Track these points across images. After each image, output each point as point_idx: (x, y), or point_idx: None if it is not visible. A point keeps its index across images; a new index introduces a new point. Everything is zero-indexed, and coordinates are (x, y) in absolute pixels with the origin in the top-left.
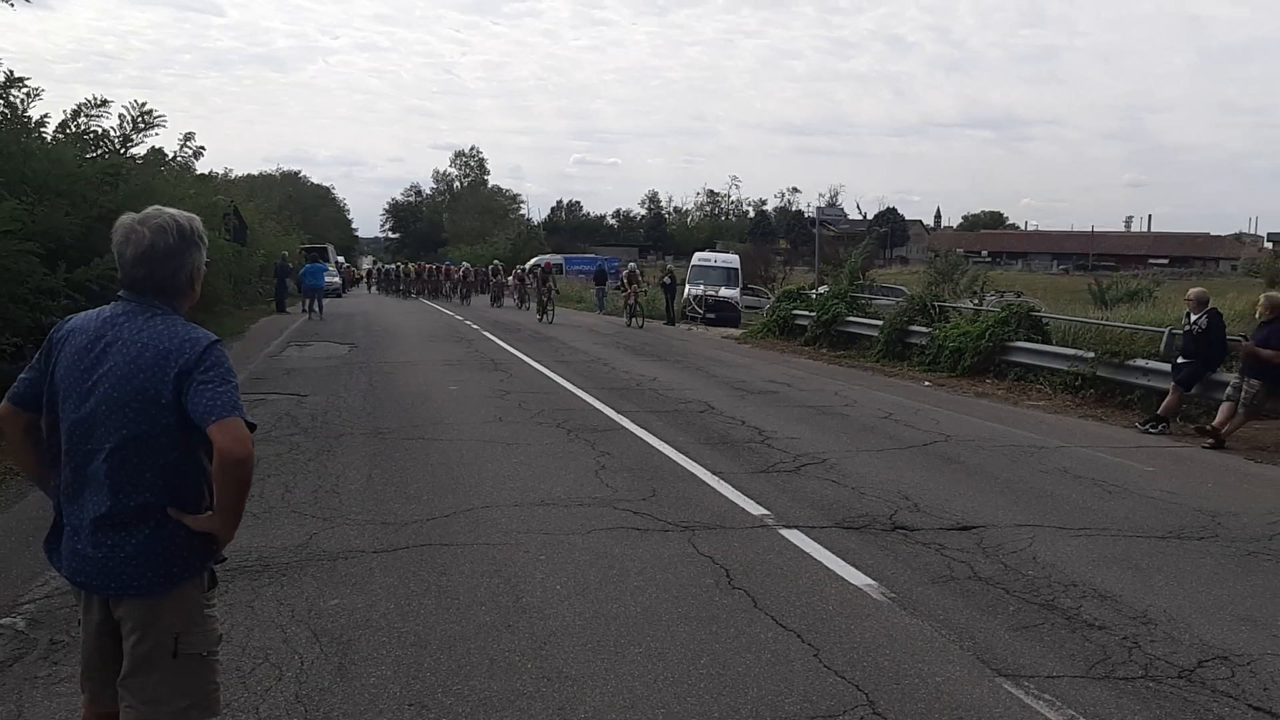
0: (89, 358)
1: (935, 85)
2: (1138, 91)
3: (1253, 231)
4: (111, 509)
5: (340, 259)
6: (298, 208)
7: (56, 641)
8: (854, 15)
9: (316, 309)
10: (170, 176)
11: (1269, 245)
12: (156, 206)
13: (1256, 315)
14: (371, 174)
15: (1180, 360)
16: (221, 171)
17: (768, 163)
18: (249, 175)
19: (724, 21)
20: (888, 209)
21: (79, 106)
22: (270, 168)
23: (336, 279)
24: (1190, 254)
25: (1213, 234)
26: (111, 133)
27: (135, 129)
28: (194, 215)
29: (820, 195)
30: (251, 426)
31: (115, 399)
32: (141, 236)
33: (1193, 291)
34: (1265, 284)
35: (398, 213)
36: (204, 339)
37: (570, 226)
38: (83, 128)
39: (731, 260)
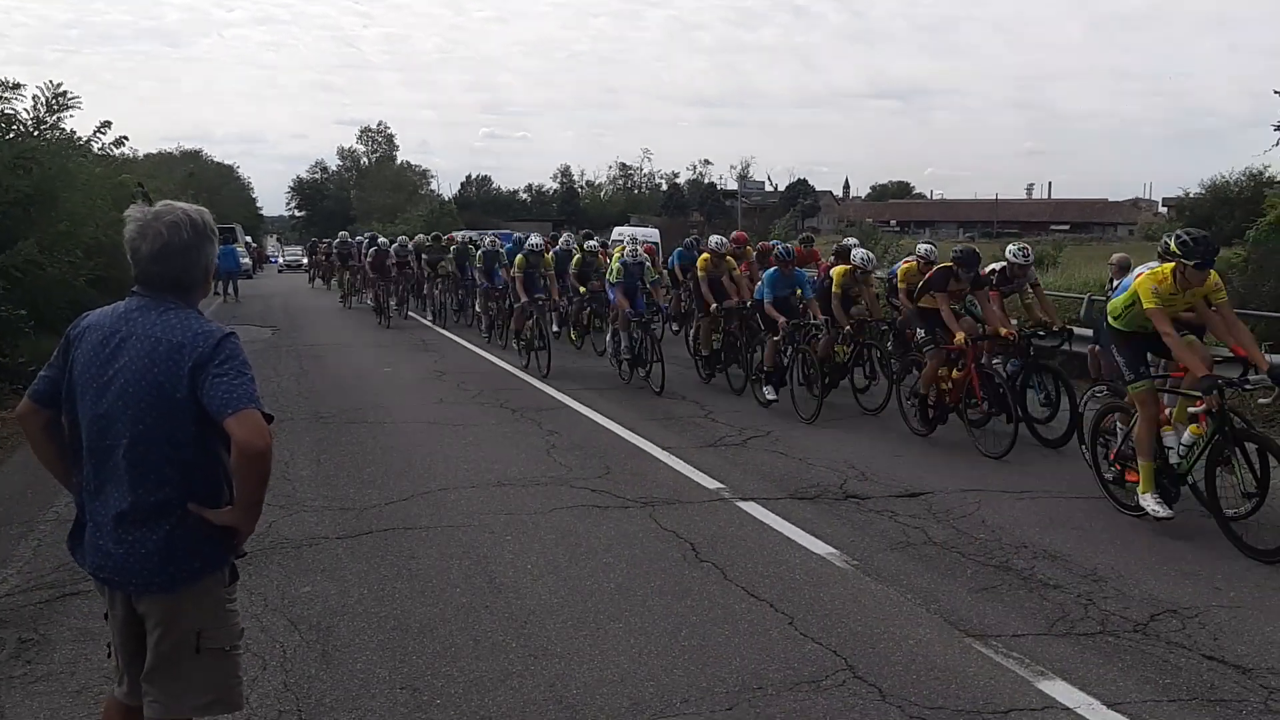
0: (104, 353)
1: (841, 56)
2: (1034, 61)
3: (1148, 197)
4: (133, 504)
5: (249, 239)
6: (201, 187)
7: (25, 640)
8: None
9: (231, 291)
10: (81, 157)
11: (1164, 210)
12: (167, 202)
13: None
14: (274, 151)
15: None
16: (128, 151)
17: (679, 135)
18: (149, 154)
19: None
20: (799, 180)
21: None
22: (169, 146)
23: (248, 260)
24: (1090, 219)
25: (1110, 200)
26: (24, 115)
27: (50, 110)
28: (204, 209)
29: (731, 167)
30: (269, 418)
31: (131, 394)
32: (157, 232)
33: (1115, 257)
34: None
35: (303, 190)
36: (217, 332)
37: (482, 201)
38: None
39: (651, 234)
